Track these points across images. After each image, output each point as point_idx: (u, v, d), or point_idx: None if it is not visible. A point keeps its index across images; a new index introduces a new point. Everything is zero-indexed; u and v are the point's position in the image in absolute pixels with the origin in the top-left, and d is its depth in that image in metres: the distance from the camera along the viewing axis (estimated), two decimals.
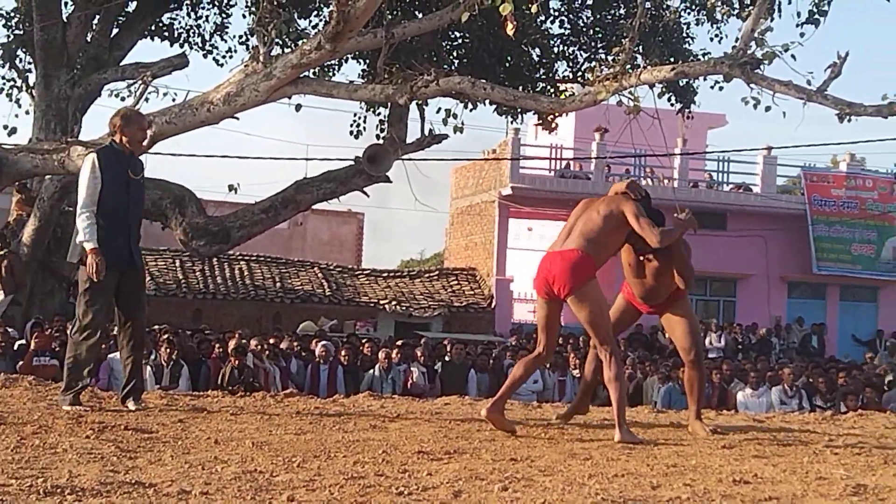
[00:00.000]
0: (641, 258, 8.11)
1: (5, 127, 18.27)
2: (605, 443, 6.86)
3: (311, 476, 4.87)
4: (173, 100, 15.24)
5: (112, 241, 8.00)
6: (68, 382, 7.88)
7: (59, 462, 5.01)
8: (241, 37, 21.04)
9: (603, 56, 19.50)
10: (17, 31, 19.43)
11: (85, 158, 8.21)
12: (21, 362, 13.52)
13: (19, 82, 19.64)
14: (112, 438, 6.00)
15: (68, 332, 8.43)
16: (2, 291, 17.81)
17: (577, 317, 7.57)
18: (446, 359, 17.29)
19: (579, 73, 20.14)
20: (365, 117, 20.88)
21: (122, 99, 18.99)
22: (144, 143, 8.79)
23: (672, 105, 20.09)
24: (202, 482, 4.58)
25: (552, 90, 19.99)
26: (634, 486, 4.85)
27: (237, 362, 14.37)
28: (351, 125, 20.93)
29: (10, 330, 15.22)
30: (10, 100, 19.94)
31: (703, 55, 18.95)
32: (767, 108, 11.71)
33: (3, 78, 19.83)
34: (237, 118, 13.77)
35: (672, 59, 17.08)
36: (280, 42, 15.13)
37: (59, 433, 6.11)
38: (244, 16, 20.57)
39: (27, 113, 19.32)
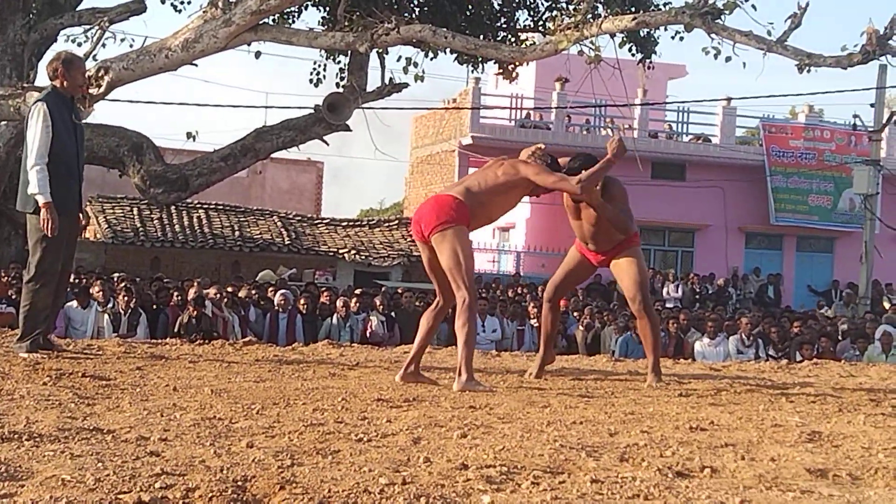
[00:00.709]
0: (574, 205, 8.04)
1: None
2: (563, 391, 6.90)
3: (270, 423, 4.88)
4: (130, 46, 15.06)
5: (63, 186, 7.90)
6: (24, 330, 7.82)
7: (16, 408, 4.99)
8: None
9: (564, 5, 19.44)
10: None
11: (33, 108, 8.05)
12: None
13: None
14: (70, 385, 5.98)
15: (23, 280, 8.30)
16: None
17: (440, 259, 7.28)
18: (399, 307, 17.31)
19: (540, 23, 20.07)
20: (325, 65, 20.72)
21: (79, 44, 18.77)
22: (84, 86, 8.59)
23: (633, 55, 20.06)
24: (161, 429, 4.57)
25: (513, 39, 19.91)
26: (592, 434, 4.89)
27: (195, 311, 14.33)
28: (311, 73, 20.76)
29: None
30: None
31: (664, 5, 18.93)
32: (728, 59, 11.74)
33: None
34: (196, 65, 13.67)
35: (633, 9, 17.02)
36: None
37: (15, 380, 6.09)
38: None
39: None
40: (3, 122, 16.85)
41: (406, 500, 3.32)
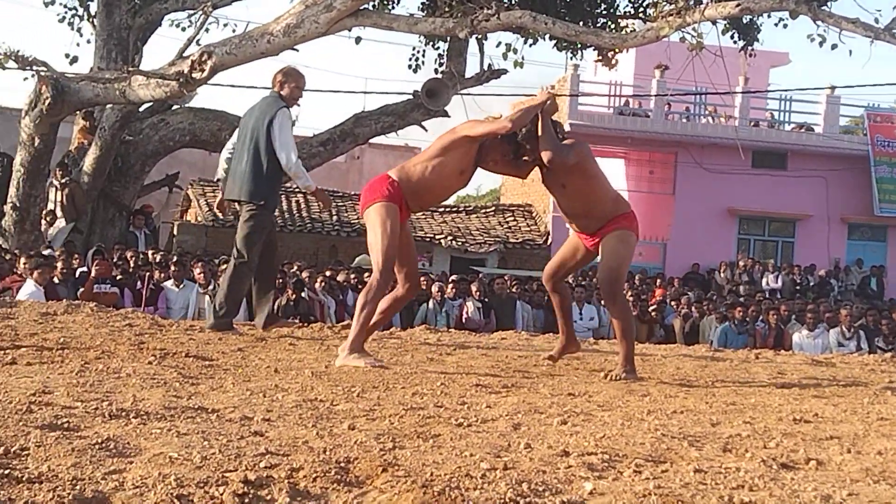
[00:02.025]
0: (550, 183, 7.43)
1: (67, 56, 18.42)
2: (662, 380, 6.85)
3: (370, 406, 4.91)
4: (233, 31, 15.31)
5: (279, 185, 8.87)
6: (228, 308, 8.68)
7: (122, 387, 5.07)
8: None
9: None
10: None
11: (282, 111, 8.61)
12: (82, 289, 13.66)
13: (81, 11, 19.74)
14: (174, 365, 6.07)
15: (232, 263, 8.90)
16: (63, 219, 18.03)
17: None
18: (492, 293, 17.30)
19: (641, 9, 19.92)
20: (424, 51, 20.82)
21: (183, 29, 19.15)
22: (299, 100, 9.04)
23: (735, 42, 19.83)
24: (264, 409, 4.62)
25: (613, 26, 19.80)
26: (694, 423, 4.84)
27: (294, 294, 14.46)
28: (410, 59, 20.90)
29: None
30: (72, 29, 20.08)
31: None
32: (833, 47, 11.58)
33: (66, 7, 19.94)
34: (297, 50, 13.80)
35: None
36: None
37: (121, 359, 6.19)
38: None
39: (88, 42, 19.45)
40: (109, 106, 17.15)
41: (508, 486, 3.31)
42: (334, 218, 28.31)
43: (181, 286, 14.24)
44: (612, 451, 3.97)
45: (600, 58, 20.35)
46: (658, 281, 24.15)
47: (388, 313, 7.61)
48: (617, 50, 18.64)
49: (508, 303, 16.93)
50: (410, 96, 18.85)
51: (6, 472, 3.14)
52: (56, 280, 13.56)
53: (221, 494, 3.03)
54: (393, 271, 7.09)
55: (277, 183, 8.77)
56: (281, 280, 15.39)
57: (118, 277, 14.37)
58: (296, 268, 16.96)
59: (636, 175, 34.02)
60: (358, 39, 15.35)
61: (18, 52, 13.69)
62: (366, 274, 17.67)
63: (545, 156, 7.02)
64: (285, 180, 9.11)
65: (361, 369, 6.43)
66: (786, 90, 34.58)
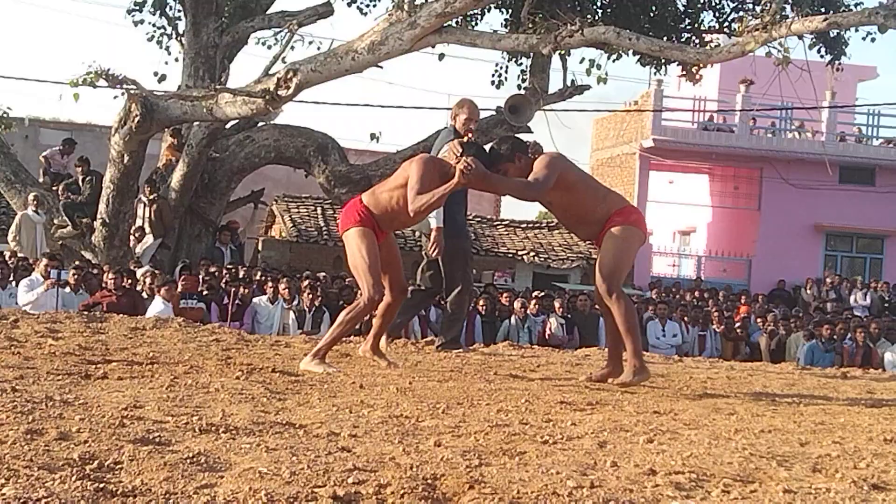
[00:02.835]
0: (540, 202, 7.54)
1: (155, 74, 18.71)
2: (750, 398, 6.78)
3: (456, 422, 4.92)
4: (318, 48, 15.40)
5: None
6: (453, 334, 9.47)
7: (211, 401, 5.14)
8: None
9: (751, 6, 19.11)
10: None
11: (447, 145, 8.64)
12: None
13: (169, 30, 20.03)
14: (261, 380, 6.13)
15: (454, 293, 9.57)
16: (151, 235, 18.31)
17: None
18: (575, 309, 17.24)
19: (726, 24, 19.78)
20: (507, 67, 20.86)
21: (269, 47, 19.35)
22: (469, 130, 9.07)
23: (822, 57, 19.61)
24: (350, 425, 4.65)
25: (698, 41, 19.67)
26: (782, 443, 4.78)
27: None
28: (492, 75, 20.91)
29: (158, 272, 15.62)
30: (161, 47, 20.39)
31: (856, 5, 18.43)
32: None
33: (154, 26, 20.26)
34: (381, 67, 13.90)
35: (823, 10, 16.65)
36: None
37: (210, 374, 6.27)
38: None
39: (177, 60, 19.74)
40: (197, 123, 17.39)
41: None
42: (417, 234, 28.34)
43: (267, 302, 14.39)
44: (699, 470, 3.94)
45: (684, 73, 20.24)
46: (742, 298, 23.92)
47: (388, 316, 7.78)
48: (701, 65, 18.51)
49: (592, 319, 16.87)
50: (493, 112, 18.88)
51: (101, 485, 3.20)
52: (145, 295, 13.79)
53: None
54: (380, 291, 7.29)
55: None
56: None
57: (205, 293, 14.56)
58: None
59: (720, 191, 33.75)
60: (441, 56, 15.40)
61: (108, 70, 13.92)
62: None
63: (521, 200, 7.23)
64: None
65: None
66: (874, 104, 34.07)
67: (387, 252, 7.46)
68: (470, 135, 8.72)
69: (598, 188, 7.34)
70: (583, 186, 7.19)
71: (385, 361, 7.56)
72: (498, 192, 7.05)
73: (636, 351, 6.91)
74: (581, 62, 14.52)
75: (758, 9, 16.84)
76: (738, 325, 17.71)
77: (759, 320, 18.67)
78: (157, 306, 12.92)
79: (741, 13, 18.45)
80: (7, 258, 16.19)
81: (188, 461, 3.64)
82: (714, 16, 20.15)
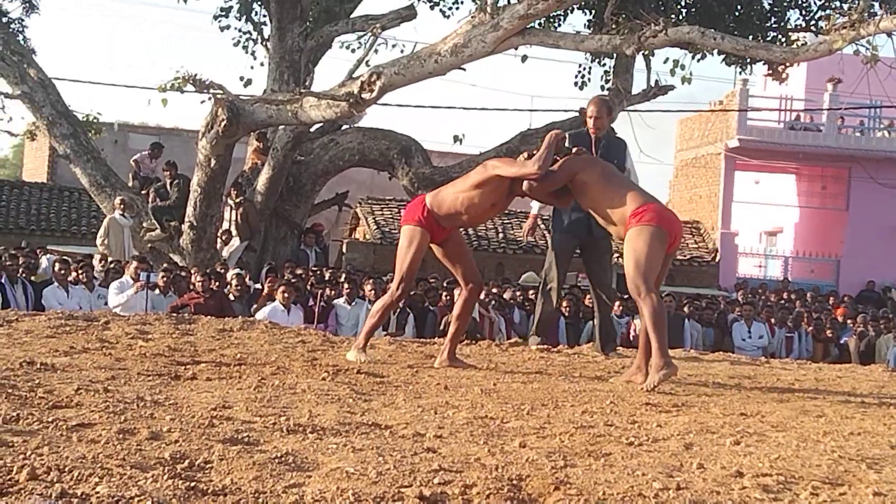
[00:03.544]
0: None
1: (241, 78, 18.93)
2: (839, 400, 6.70)
3: (541, 424, 4.92)
4: (401, 51, 15.48)
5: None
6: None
7: (298, 402, 5.19)
8: None
9: (838, 4, 18.85)
10: None
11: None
12: (255, 306, 14.02)
13: (255, 35, 20.26)
14: (346, 381, 6.18)
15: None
16: (237, 238, 18.51)
17: None
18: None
19: (812, 22, 19.52)
20: (590, 68, 20.78)
21: (353, 50, 19.50)
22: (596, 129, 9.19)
23: None
24: (435, 426, 4.68)
25: (783, 39, 19.44)
26: (872, 445, 4.72)
27: None
28: (575, 76, 20.86)
29: (244, 275, 15.79)
30: (246, 52, 20.64)
31: None
32: None
33: (240, 31, 20.51)
34: (464, 69, 13.92)
35: None
36: None
37: (296, 374, 6.33)
38: None
39: (262, 65, 19.97)
40: (282, 127, 17.56)
41: None
42: (500, 235, 28.36)
43: (352, 304, 14.49)
44: (787, 472, 3.91)
45: (770, 72, 20.02)
46: (831, 299, 23.61)
47: (464, 316, 7.99)
48: (788, 64, 18.31)
49: (676, 321, 16.76)
50: (576, 113, 18.84)
51: (192, 484, 3.25)
52: (232, 297, 13.95)
53: None
54: (410, 285, 8.03)
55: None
56: (448, 297, 15.55)
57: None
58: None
59: (808, 191, 33.33)
60: (524, 58, 15.39)
61: (196, 75, 14.12)
62: (530, 291, 17.73)
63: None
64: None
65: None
66: None
67: (453, 247, 7.86)
68: (595, 132, 9.06)
69: (618, 190, 7.25)
70: (598, 189, 7.26)
71: (464, 366, 7.63)
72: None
73: (661, 348, 6.83)
74: (665, 62, 14.47)
75: (845, 6, 16.65)
76: (827, 326, 17.48)
77: (849, 321, 18.42)
78: (276, 308, 13.20)
79: (828, 11, 18.19)
80: (98, 261, 16.48)
81: (276, 461, 3.69)
82: (800, 14, 19.90)
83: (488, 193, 7.49)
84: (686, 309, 17.32)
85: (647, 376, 6.95)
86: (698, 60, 18.27)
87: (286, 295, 13.23)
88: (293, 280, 14.60)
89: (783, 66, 19.16)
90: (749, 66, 21.04)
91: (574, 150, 7.58)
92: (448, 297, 15.63)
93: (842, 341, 17.12)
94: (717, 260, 30.06)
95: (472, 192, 7.48)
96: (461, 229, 8.60)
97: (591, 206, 7.39)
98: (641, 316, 7.08)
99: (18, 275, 14.02)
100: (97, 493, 3.09)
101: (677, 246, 7.38)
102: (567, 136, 7.71)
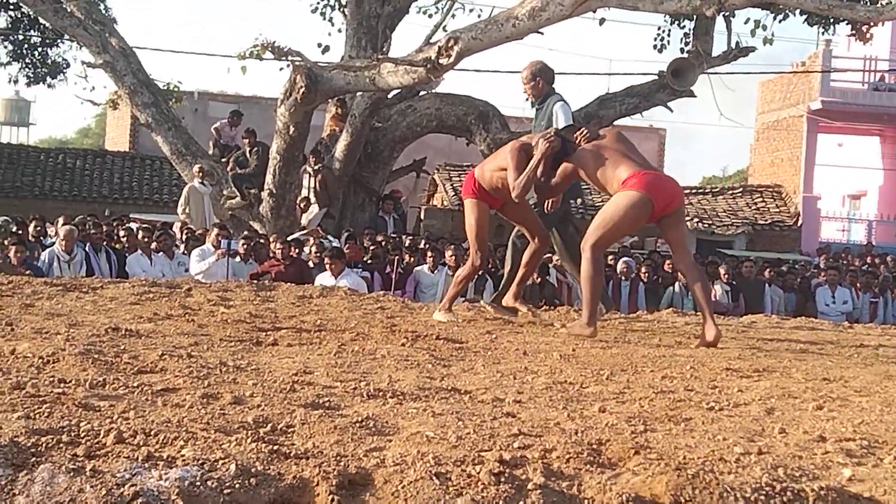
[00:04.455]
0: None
1: (319, 45, 19.01)
2: None
3: (620, 389, 4.91)
4: (479, 16, 15.43)
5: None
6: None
7: (378, 367, 5.23)
8: None
9: None
10: None
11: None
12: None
13: (332, 1, 20.31)
14: (425, 347, 6.21)
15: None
16: (317, 205, 18.63)
17: None
18: (740, 276, 16.98)
19: None
20: (669, 30, 20.57)
21: (430, 16, 19.49)
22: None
23: None
24: (514, 391, 4.69)
25: None
26: None
27: (539, 278, 14.55)
28: (654, 39, 20.66)
29: (324, 241, 15.89)
30: (324, 19, 20.72)
31: None
32: None
33: None
34: (541, 33, 13.84)
35: None
36: None
37: (375, 341, 6.37)
38: None
39: (340, 31, 20.02)
40: (360, 94, 17.60)
41: (763, 471, 3.27)
42: (579, 201, 28.22)
43: (429, 270, 14.53)
44: (870, 437, 3.86)
45: (854, 32, 19.67)
46: None
47: (532, 264, 8.58)
48: (872, 23, 17.98)
49: (757, 286, 16.61)
50: (655, 77, 18.67)
51: (275, 447, 3.29)
52: (311, 264, 14.04)
53: (478, 473, 3.09)
54: (485, 252, 8.34)
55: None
56: None
57: (369, 261, 14.77)
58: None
59: (892, 153, 32.82)
60: (602, 21, 15.29)
61: (274, 43, 14.20)
62: (608, 258, 17.66)
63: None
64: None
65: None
66: None
67: (514, 209, 8.27)
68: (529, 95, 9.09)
69: (611, 165, 7.52)
70: (594, 172, 7.61)
71: (525, 307, 8.49)
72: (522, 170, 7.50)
73: (589, 305, 7.36)
74: (746, 23, 14.25)
75: None
76: None
77: None
78: (321, 279, 13.17)
79: None
80: (178, 229, 16.67)
81: (357, 425, 3.72)
82: None
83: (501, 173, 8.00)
84: (767, 274, 17.13)
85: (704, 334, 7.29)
86: (780, 21, 18.06)
87: (333, 266, 13.19)
88: (344, 249, 14.59)
89: (867, 26, 18.82)
90: (832, 26, 20.71)
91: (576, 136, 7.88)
92: None
93: None
94: (798, 224, 29.71)
95: (500, 173, 8.00)
96: None
97: (595, 185, 7.82)
98: (582, 269, 7.56)
99: (102, 243, 14.23)
100: (182, 455, 3.14)
101: (676, 207, 7.54)
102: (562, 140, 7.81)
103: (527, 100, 9.28)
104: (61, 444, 3.20)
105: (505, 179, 7.87)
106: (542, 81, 9.00)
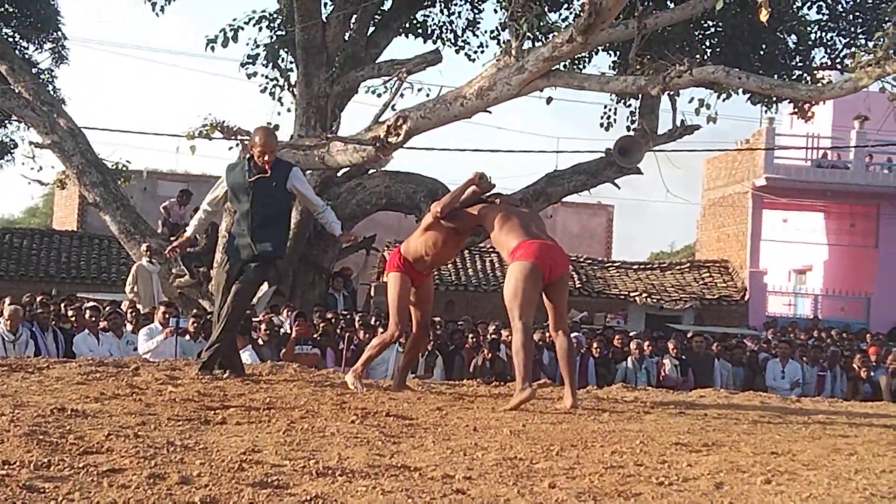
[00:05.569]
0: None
1: (268, 124, 19.01)
2: (869, 439, 6.65)
3: (570, 464, 4.92)
4: (427, 95, 15.51)
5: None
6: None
7: (327, 445, 5.21)
8: (492, 32, 21.20)
9: (863, 41, 18.82)
10: (279, 33, 20.14)
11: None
12: (284, 350, 14.04)
13: (281, 81, 20.37)
14: (375, 424, 6.19)
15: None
16: (266, 283, 18.54)
17: None
18: (690, 351, 17.06)
19: (838, 60, 19.49)
20: (615, 109, 20.78)
21: (378, 95, 19.55)
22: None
23: None
24: (465, 467, 4.68)
25: (809, 78, 19.42)
26: None
27: (490, 353, 14.56)
28: (601, 117, 20.85)
29: (274, 319, 15.82)
30: (273, 98, 20.73)
31: None
32: None
33: (267, 77, 20.62)
34: (489, 112, 13.96)
35: None
36: (531, 36, 15.17)
37: (325, 418, 6.35)
38: (496, 11, 20.75)
39: (289, 111, 20.04)
40: (309, 172, 17.63)
41: None
42: (452, 276, 28.47)
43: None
44: None
45: (796, 110, 20.00)
46: (868, 336, 23.47)
47: (413, 353, 9.22)
48: (814, 102, 18.29)
49: (706, 360, 16.69)
50: (602, 154, 18.85)
51: None
52: (261, 342, 13.97)
53: None
54: (405, 325, 8.70)
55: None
56: (475, 339, 15.55)
57: (318, 338, 14.72)
58: (492, 328, 17.06)
59: (836, 228, 33.22)
60: (549, 100, 15.40)
61: (223, 122, 14.20)
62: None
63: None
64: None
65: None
66: None
67: (423, 292, 8.86)
68: (266, 166, 8.92)
69: (507, 230, 8.28)
70: (494, 230, 8.39)
71: (410, 391, 8.69)
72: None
73: (522, 372, 7.74)
74: (690, 102, 14.38)
75: (870, 44, 16.61)
76: (860, 364, 17.36)
77: (883, 360, 18.27)
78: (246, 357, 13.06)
79: (853, 49, 18.16)
80: (125, 309, 16.55)
81: None
82: (825, 52, 19.85)
83: (433, 234, 8.61)
84: (715, 348, 17.23)
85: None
86: (724, 100, 18.31)
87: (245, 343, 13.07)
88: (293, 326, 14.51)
89: (809, 105, 19.14)
90: (775, 105, 21.01)
91: (490, 197, 8.72)
92: (475, 339, 15.65)
93: (873, 378, 16.97)
94: (746, 299, 29.95)
95: (424, 237, 8.64)
96: (434, 275, 9.53)
97: (494, 243, 8.56)
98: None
99: (49, 322, 14.10)
100: None
101: (561, 274, 8.18)
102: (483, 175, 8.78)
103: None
104: None
105: (426, 243, 8.58)
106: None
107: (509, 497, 3.99)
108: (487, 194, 8.75)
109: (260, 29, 20.18)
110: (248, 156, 9.19)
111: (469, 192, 8.66)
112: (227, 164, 9.37)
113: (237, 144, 15.29)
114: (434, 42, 21.16)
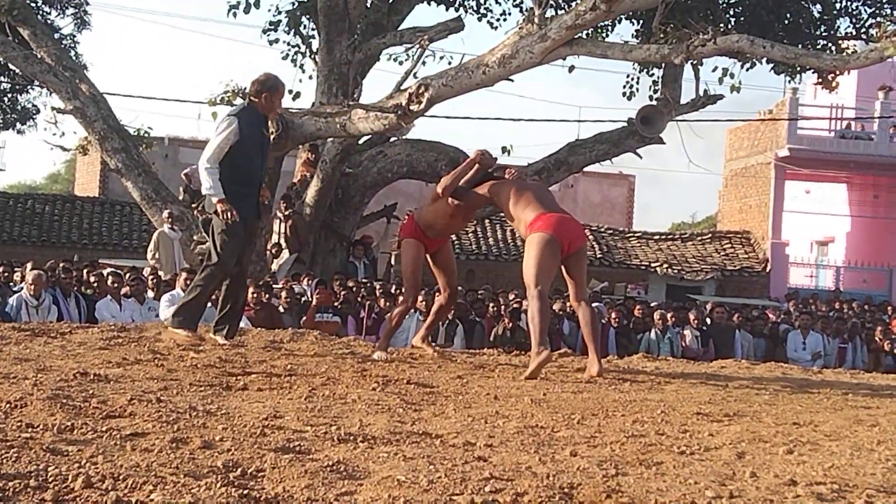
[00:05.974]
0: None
1: (290, 91, 18.98)
2: (892, 410, 6.63)
3: (591, 433, 4.91)
4: (449, 63, 15.49)
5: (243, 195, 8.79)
6: (181, 309, 8.79)
7: (349, 412, 5.21)
8: None
9: (889, 11, 18.68)
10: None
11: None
12: (305, 318, 14.06)
13: (303, 48, 20.35)
14: (396, 391, 6.19)
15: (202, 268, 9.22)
16: (287, 250, 18.57)
17: None
18: (710, 322, 17.03)
19: (863, 30, 19.34)
20: (638, 78, 20.70)
21: (400, 63, 19.56)
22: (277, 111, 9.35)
23: None
24: (486, 435, 4.68)
25: (834, 47, 19.28)
26: None
27: (510, 323, 14.56)
28: (624, 86, 20.78)
29: (295, 287, 15.84)
30: (295, 65, 20.74)
31: None
32: None
33: (289, 44, 20.61)
34: (511, 80, 13.90)
35: None
36: (554, 3, 15.11)
37: (346, 385, 6.35)
38: None
39: (310, 78, 20.04)
40: (330, 139, 17.62)
41: None
42: (473, 246, 28.44)
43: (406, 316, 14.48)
44: (841, 481, 3.87)
45: (820, 80, 19.87)
46: (890, 309, 23.39)
47: (438, 316, 9.35)
48: (838, 72, 18.16)
49: (727, 331, 16.66)
50: (625, 124, 18.79)
51: (244, 492, 3.27)
52: (281, 309, 13.99)
53: None
54: (417, 290, 9.13)
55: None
56: (496, 308, 15.54)
57: (339, 306, 14.74)
58: (512, 297, 17.06)
59: (859, 200, 33.04)
60: (571, 68, 15.37)
61: (245, 89, 14.19)
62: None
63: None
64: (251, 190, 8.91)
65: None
66: None
67: (443, 258, 9.08)
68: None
69: (523, 204, 8.26)
70: (508, 205, 8.37)
71: (430, 350, 9.02)
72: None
73: (539, 337, 7.72)
74: (714, 71, 14.37)
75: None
76: (881, 336, 17.30)
77: None
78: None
79: (879, 18, 18.02)
80: (147, 275, 16.59)
81: (328, 469, 3.70)
82: (850, 22, 19.71)
83: (442, 205, 8.69)
84: (736, 319, 17.18)
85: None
86: (747, 69, 18.21)
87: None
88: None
89: (833, 75, 19.01)
90: (799, 75, 20.89)
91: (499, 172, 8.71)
92: (495, 309, 15.64)
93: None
94: (767, 270, 29.86)
95: (433, 206, 8.76)
96: (451, 241, 9.76)
97: (507, 217, 8.59)
98: (529, 307, 8.10)
99: (72, 288, 14.15)
100: (151, 500, 3.12)
101: (579, 247, 8.27)
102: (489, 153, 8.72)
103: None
104: (29, 489, 3.18)
105: (435, 212, 8.73)
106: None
107: (531, 464, 3.99)
108: (492, 169, 8.74)
109: None
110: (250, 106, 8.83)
111: (473, 171, 8.68)
112: (232, 110, 8.91)
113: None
114: (456, 9, 21.08)
